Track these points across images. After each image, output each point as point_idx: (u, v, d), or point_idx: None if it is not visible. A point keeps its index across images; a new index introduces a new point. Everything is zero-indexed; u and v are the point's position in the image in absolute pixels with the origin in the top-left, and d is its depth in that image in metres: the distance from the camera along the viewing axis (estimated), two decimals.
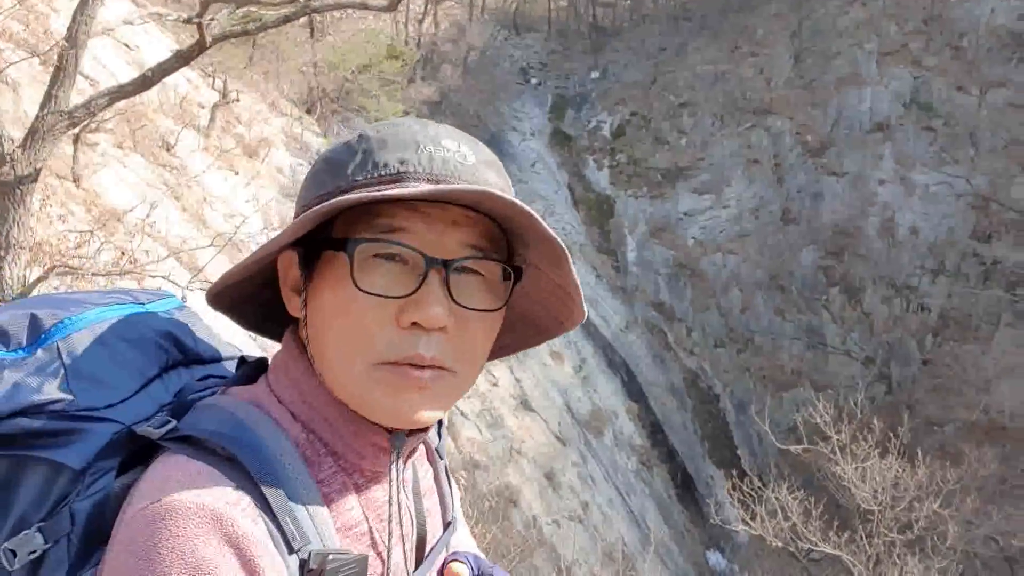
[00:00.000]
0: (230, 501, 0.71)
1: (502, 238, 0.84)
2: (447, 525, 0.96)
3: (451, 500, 0.98)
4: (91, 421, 0.80)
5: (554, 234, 0.80)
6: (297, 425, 0.82)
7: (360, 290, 0.77)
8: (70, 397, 0.80)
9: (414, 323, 0.77)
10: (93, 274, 6.89)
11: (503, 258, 0.84)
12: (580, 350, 22.43)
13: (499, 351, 0.93)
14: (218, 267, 9.92)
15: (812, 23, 28.30)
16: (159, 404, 0.85)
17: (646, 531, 18.89)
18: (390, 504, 0.85)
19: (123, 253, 8.08)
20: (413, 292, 0.77)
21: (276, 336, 0.93)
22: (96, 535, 0.75)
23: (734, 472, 18.53)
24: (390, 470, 0.85)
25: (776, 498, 15.07)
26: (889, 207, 24.11)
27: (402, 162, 0.79)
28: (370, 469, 0.84)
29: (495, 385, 19.00)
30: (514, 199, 0.76)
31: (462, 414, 17.20)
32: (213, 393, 0.86)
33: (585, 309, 0.90)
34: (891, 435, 15.06)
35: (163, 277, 7.42)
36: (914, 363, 22.07)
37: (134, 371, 0.85)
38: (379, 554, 0.84)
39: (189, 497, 0.69)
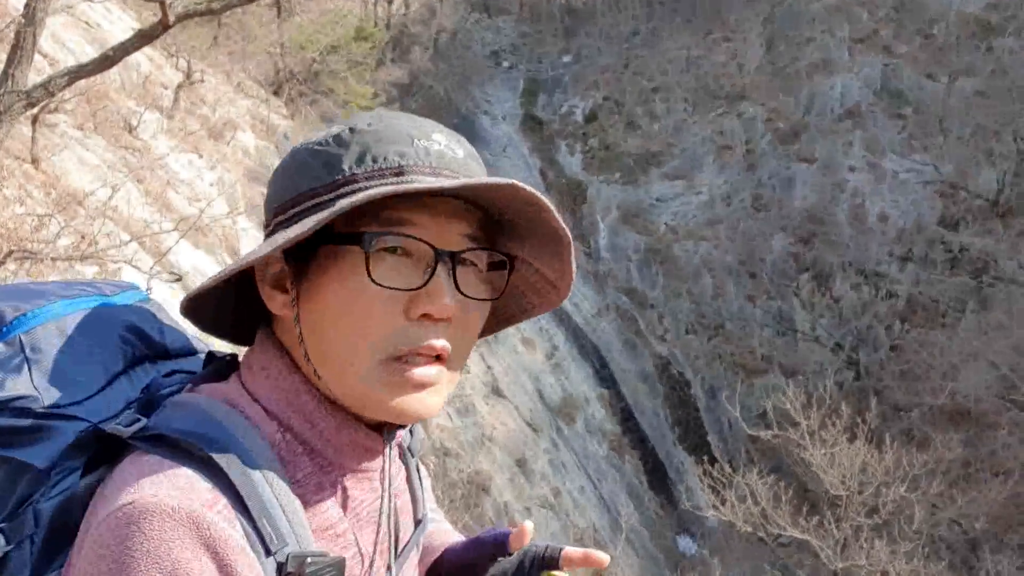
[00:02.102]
0: (206, 503, 0.69)
1: (489, 229, 0.86)
2: (418, 523, 0.96)
3: (422, 496, 0.98)
4: (56, 419, 0.77)
5: (562, 224, 0.82)
6: (273, 423, 0.81)
7: (376, 283, 0.77)
8: (34, 394, 0.78)
9: (424, 315, 0.78)
10: (52, 258, 6.73)
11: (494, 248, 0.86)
12: (552, 337, 22.44)
13: None
14: (182, 251, 9.71)
15: (784, 9, 28.44)
16: (126, 400, 0.83)
17: (617, 517, 19.01)
18: (382, 500, 0.86)
19: (83, 237, 7.86)
20: (424, 284, 0.78)
21: (236, 337, 0.92)
22: (60, 537, 0.73)
23: (704, 458, 18.72)
24: (383, 464, 0.85)
25: (746, 483, 15.28)
26: (859, 194, 24.39)
27: (401, 156, 0.79)
28: (351, 467, 0.84)
29: (466, 372, 18.93)
30: (536, 192, 0.78)
31: None
32: (181, 389, 0.84)
33: (566, 296, 0.92)
34: (859, 420, 15.31)
35: (125, 262, 7.24)
36: (882, 349, 22.41)
37: (100, 367, 0.83)
38: (358, 554, 0.83)
39: (164, 499, 0.67)
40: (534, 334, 21.83)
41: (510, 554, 1.06)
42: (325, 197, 0.78)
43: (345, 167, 0.79)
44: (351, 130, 0.81)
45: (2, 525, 0.74)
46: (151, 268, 8.08)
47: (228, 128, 15.85)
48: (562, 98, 30.59)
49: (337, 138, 0.81)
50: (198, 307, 0.85)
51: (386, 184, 0.77)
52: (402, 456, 0.97)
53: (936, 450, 16.13)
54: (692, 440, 22.27)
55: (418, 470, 0.99)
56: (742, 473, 15.80)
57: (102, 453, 0.76)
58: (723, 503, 15.29)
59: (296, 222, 0.78)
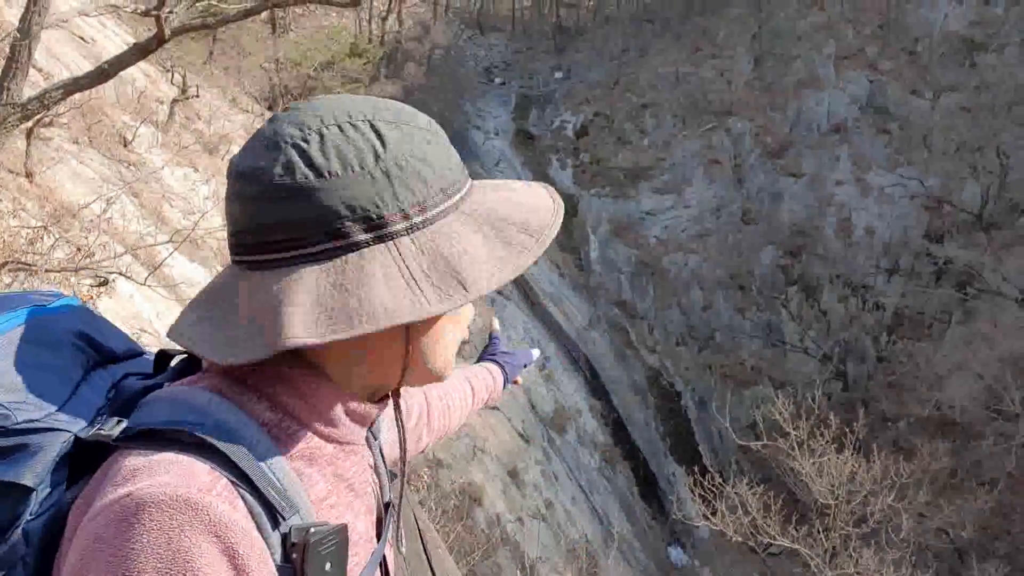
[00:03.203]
0: (203, 487, 0.67)
1: None
2: (387, 506, 0.95)
3: (387, 482, 0.98)
4: (33, 433, 0.73)
5: None
6: (263, 403, 0.78)
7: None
8: (4, 411, 0.73)
9: None
10: (47, 270, 6.74)
11: None
12: (543, 348, 22.50)
13: None
14: (176, 263, 9.77)
15: (772, 27, 28.74)
16: (95, 407, 0.79)
17: (609, 528, 19.03)
18: (373, 468, 0.87)
19: (79, 249, 7.89)
20: None
21: None
22: (52, 554, 0.70)
23: (695, 468, 18.73)
24: (370, 434, 0.87)
25: (736, 493, 15.27)
26: (846, 208, 24.59)
27: (450, 170, 0.81)
28: (341, 440, 0.83)
29: None
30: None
31: None
32: (150, 389, 0.81)
33: None
34: (847, 431, 15.37)
35: (120, 273, 7.28)
36: (869, 360, 22.54)
37: (61, 376, 0.80)
38: (353, 524, 0.84)
39: (160, 488, 0.65)
40: (526, 345, 21.91)
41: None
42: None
43: (439, 189, 0.81)
44: (429, 127, 0.84)
45: None
46: (145, 279, 8.14)
47: (223, 142, 15.91)
48: (553, 113, 30.81)
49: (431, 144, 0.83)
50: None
51: (449, 203, 0.81)
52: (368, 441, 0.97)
53: (923, 460, 16.23)
54: (683, 451, 22.32)
55: (381, 452, 0.99)
56: (732, 483, 15.80)
57: (84, 463, 0.74)
58: (714, 513, 15.28)
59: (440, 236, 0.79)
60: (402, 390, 0.96)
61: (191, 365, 0.85)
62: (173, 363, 0.87)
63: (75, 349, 0.84)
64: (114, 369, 0.87)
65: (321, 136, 0.74)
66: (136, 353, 0.92)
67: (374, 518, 0.90)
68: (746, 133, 26.73)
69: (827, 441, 15.10)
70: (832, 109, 26.27)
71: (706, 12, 31.71)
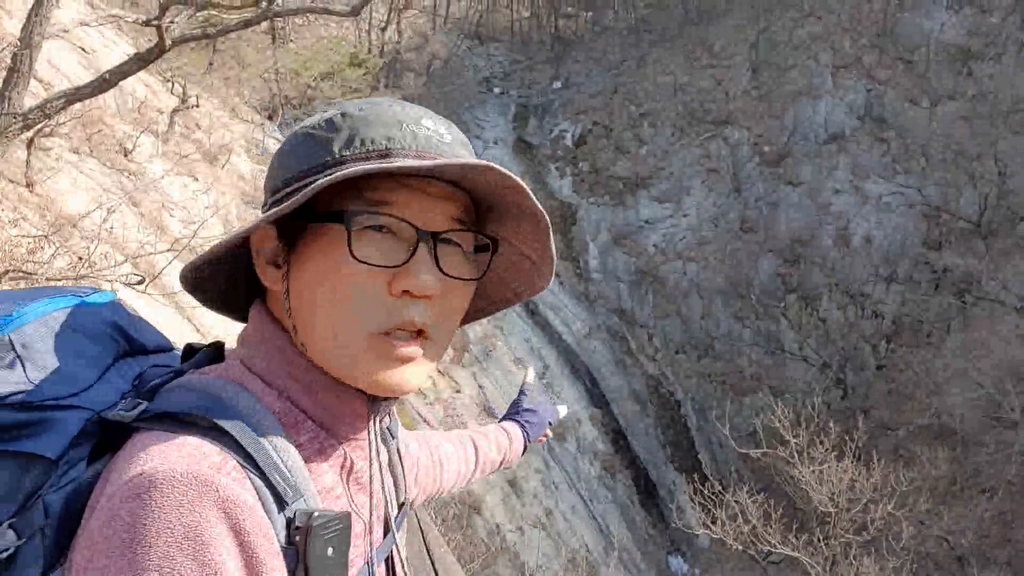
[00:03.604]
0: (214, 465, 0.70)
1: (474, 212, 0.89)
2: (400, 505, 0.99)
3: (404, 482, 1.02)
4: (58, 410, 0.78)
5: (540, 207, 0.84)
6: (273, 393, 0.83)
7: (356, 259, 0.79)
8: (32, 387, 0.78)
9: (405, 291, 0.80)
10: (47, 279, 6.75)
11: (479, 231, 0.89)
12: (543, 356, 22.50)
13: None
14: (176, 272, 9.78)
15: (769, 36, 28.84)
16: (120, 392, 0.84)
17: (609, 537, 18.99)
18: (370, 464, 0.88)
19: (80, 258, 7.91)
20: (406, 261, 0.80)
21: (231, 311, 0.97)
22: (70, 527, 0.73)
23: (695, 477, 18.71)
24: (369, 432, 0.88)
25: (736, 502, 15.25)
26: (844, 216, 24.63)
27: (389, 139, 0.82)
28: (347, 435, 0.87)
29: (458, 392, 18.98)
30: (511, 174, 0.80)
31: (425, 421, 17.13)
32: (174, 378, 0.85)
33: (551, 279, 0.96)
34: (847, 439, 15.37)
35: (120, 282, 7.29)
36: (868, 368, 22.53)
37: (92, 360, 0.84)
38: (357, 517, 0.86)
39: (171, 466, 0.68)
40: (525, 353, 21.91)
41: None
42: (314, 178, 0.81)
43: (335, 149, 0.82)
44: (343, 115, 0.84)
45: (12, 520, 0.74)
46: (145, 286, 8.15)
47: (223, 152, 15.95)
48: (552, 123, 30.88)
49: (329, 122, 0.84)
50: (199, 281, 0.89)
51: (365, 165, 0.79)
52: (384, 439, 0.99)
53: (923, 467, 16.23)
54: (683, 459, 22.28)
55: (399, 452, 1.01)
56: (732, 491, 15.76)
57: (106, 442, 0.78)
58: (714, 521, 15.26)
59: (287, 201, 0.80)
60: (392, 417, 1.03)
61: (214, 356, 0.90)
62: (197, 354, 0.91)
63: (108, 339, 0.88)
64: (143, 360, 0.92)
65: None
66: (165, 348, 0.96)
67: (381, 514, 0.91)
68: (744, 142, 26.79)
69: (827, 449, 15.09)
70: (830, 118, 26.33)
71: (703, 22, 31.83)
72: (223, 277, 0.91)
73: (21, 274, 6.65)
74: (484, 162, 0.78)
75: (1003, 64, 25.52)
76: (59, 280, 6.81)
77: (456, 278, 0.84)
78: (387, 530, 0.93)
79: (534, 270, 0.94)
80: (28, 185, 9.41)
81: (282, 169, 0.86)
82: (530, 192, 0.82)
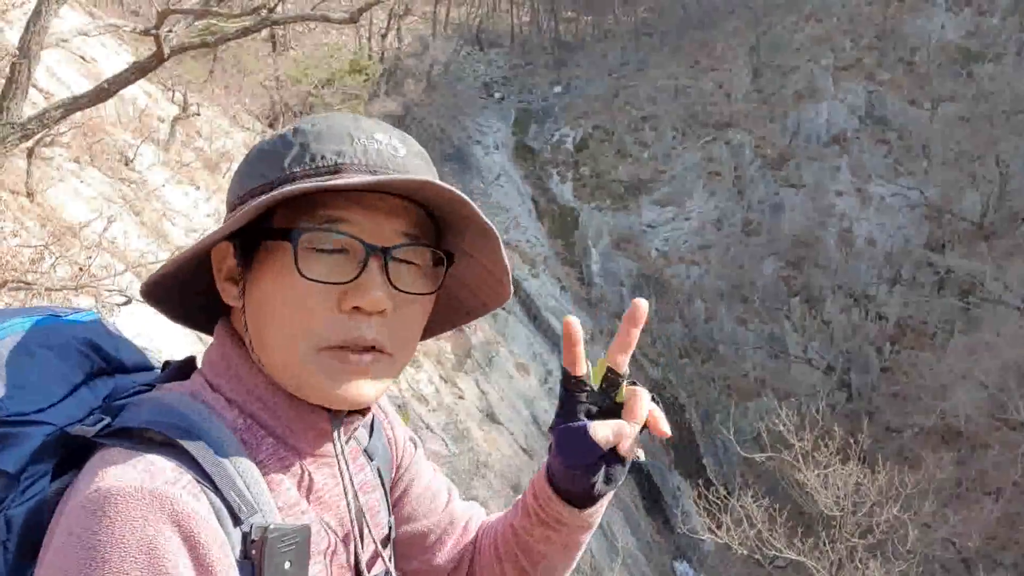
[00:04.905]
0: (169, 480, 0.71)
1: (432, 226, 0.88)
2: (389, 528, 0.97)
3: (386, 503, 0.99)
4: (22, 425, 0.78)
5: (487, 220, 0.84)
6: (234, 410, 0.83)
7: (304, 277, 0.79)
8: None
9: (355, 307, 0.80)
10: (47, 289, 6.73)
11: (434, 245, 0.88)
12: (546, 362, 22.48)
13: (426, 332, 0.95)
14: None
15: (770, 39, 28.88)
16: (89, 408, 0.84)
17: (613, 542, 18.91)
18: (342, 476, 0.87)
19: (81, 268, 7.90)
20: (355, 278, 0.80)
21: (201, 327, 0.96)
22: (32, 542, 0.73)
23: (700, 481, 18.67)
24: (334, 445, 0.87)
25: (741, 506, 15.18)
26: (846, 218, 24.63)
27: (339, 154, 0.81)
28: (310, 451, 0.87)
29: (461, 398, 18.94)
30: (452, 188, 0.80)
31: (427, 427, 17.10)
32: (142, 393, 0.86)
33: (511, 290, 0.96)
34: (852, 442, 15.30)
35: (120, 291, 7.28)
36: (873, 371, 22.49)
37: (60, 377, 0.84)
38: (322, 533, 0.85)
39: (126, 482, 0.69)
40: (528, 359, 21.89)
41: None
42: (266, 195, 0.80)
43: (285, 164, 0.82)
44: (295, 130, 0.85)
45: None
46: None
47: (224, 160, 15.95)
48: (553, 127, 30.91)
49: (283, 138, 0.84)
50: (163, 296, 0.89)
51: (314, 181, 0.79)
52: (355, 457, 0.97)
53: (928, 470, 16.13)
54: (687, 464, 22.24)
55: (380, 473, 0.99)
56: (737, 496, 15.71)
57: (70, 457, 0.78)
58: (719, 526, 15.19)
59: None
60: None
61: (184, 372, 0.90)
62: (165, 370, 0.92)
63: (80, 355, 0.88)
64: (121, 378, 0.91)
65: None
66: (147, 366, 0.96)
67: (346, 533, 0.89)
68: (746, 145, 26.80)
69: (832, 452, 15.03)
70: (831, 120, 26.36)
71: (704, 25, 31.88)
72: (189, 292, 0.91)
73: (22, 284, 6.63)
74: (421, 178, 0.79)
75: (1003, 65, 25.54)
76: (59, 289, 6.80)
77: (408, 292, 0.83)
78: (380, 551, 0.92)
79: (496, 284, 0.94)
80: (28, 195, 9.41)
81: (238, 185, 0.86)
82: (475, 206, 0.82)
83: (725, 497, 15.65)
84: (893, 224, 24.16)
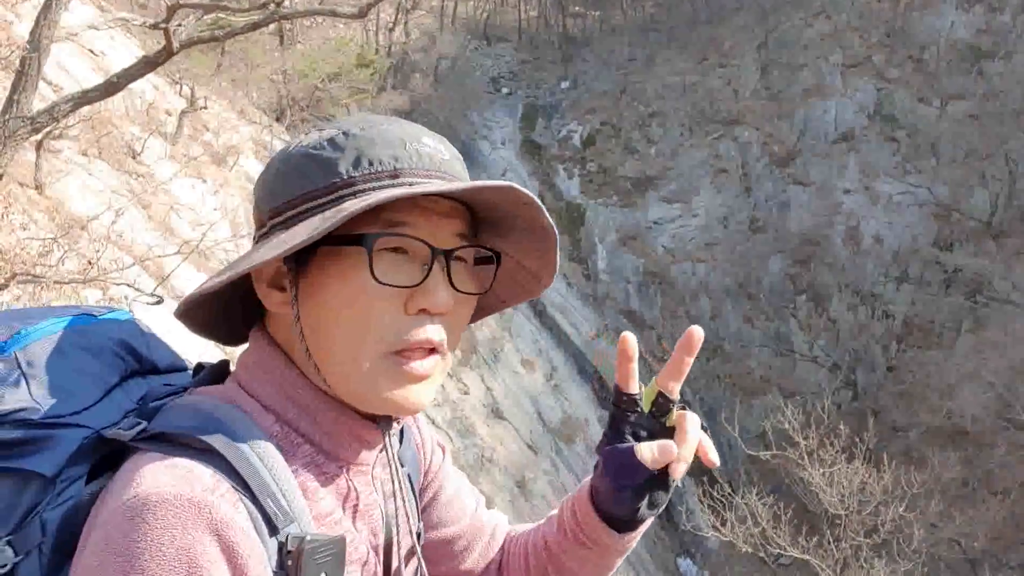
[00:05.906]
0: (207, 488, 0.71)
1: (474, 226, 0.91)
2: (418, 535, 0.97)
3: (415, 508, 1.00)
4: (58, 428, 0.78)
5: (552, 222, 0.88)
6: (270, 417, 0.83)
7: (379, 282, 0.80)
8: (34, 405, 0.79)
9: (421, 310, 0.82)
10: (56, 282, 6.75)
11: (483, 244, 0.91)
12: (551, 358, 22.48)
13: None
14: (184, 274, 9.81)
15: (778, 35, 28.76)
16: (123, 411, 0.84)
17: None
18: (392, 482, 0.89)
19: (90, 262, 7.92)
20: (422, 281, 0.82)
21: (220, 337, 0.95)
22: (68, 545, 0.74)
23: (704, 479, 18.65)
24: (386, 452, 0.89)
25: (746, 504, 15.19)
26: (854, 216, 24.54)
27: (395, 159, 0.82)
28: (348, 459, 0.87)
29: (466, 394, 18.96)
30: (531, 194, 0.83)
31: (432, 422, 17.13)
32: (179, 396, 0.86)
33: (544, 288, 0.98)
34: (857, 440, 15.27)
35: (128, 285, 7.30)
36: (879, 369, 22.44)
37: (96, 379, 0.85)
38: (356, 543, 0.86)
39: (165, 488, 0.69)
40: (533, 355, 21.89)
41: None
42: (322, 200, 0.81)
43: (342, 170, 0.81)
44: (344, 133, 0.84)
45: (10, 537, 0.74)
46: (153, 290, 8.15)
47: (231, 153, 15.98)
48: (560, 123, 30.85)
49: (332, 142, 0.83)
50: (192, 311, 0.87)
51: (385, 187, 0.80)
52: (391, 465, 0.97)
53: (934, 469, 16.10)
54: (692, 461, 22.23)
55: (410, 479, 1.00)
56: (742, 493, 15.71)
57: (105, 460, 0.78)
58: (723, 524, 15.20)
59: (296, 223, 0.81)
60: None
61: (218, 376, 0.91)
62: (200, 373, 0.92)
63: (115, 356, 0.88)
64: (154, 380, 0.92)
65: None
66: (179, 367, 0.96)
67: (381, 543, 0.90)
68: (753, 142, 26.73)
69: (837, 451, 15.01)
70: (839, 117, 26.25)
71: (712, 21, 31.77)
72: (219, 304, 0.90)
73: (30, 277, 6.66)
74: (507, 183, 0.81)
75: (1013, 62, 25.39)
76: (68, 283, 6.82)
77: (467, 293, 0.86)
78: (388, 563, 0.92)
79: (531, 278, 0.96)
80: (37, 188, 9.45)
81: (283, 190, 0.84)
82: (544, 209, 0.85)
83: (729, 494, 15.65)
84: (901, 222, 24.08)
